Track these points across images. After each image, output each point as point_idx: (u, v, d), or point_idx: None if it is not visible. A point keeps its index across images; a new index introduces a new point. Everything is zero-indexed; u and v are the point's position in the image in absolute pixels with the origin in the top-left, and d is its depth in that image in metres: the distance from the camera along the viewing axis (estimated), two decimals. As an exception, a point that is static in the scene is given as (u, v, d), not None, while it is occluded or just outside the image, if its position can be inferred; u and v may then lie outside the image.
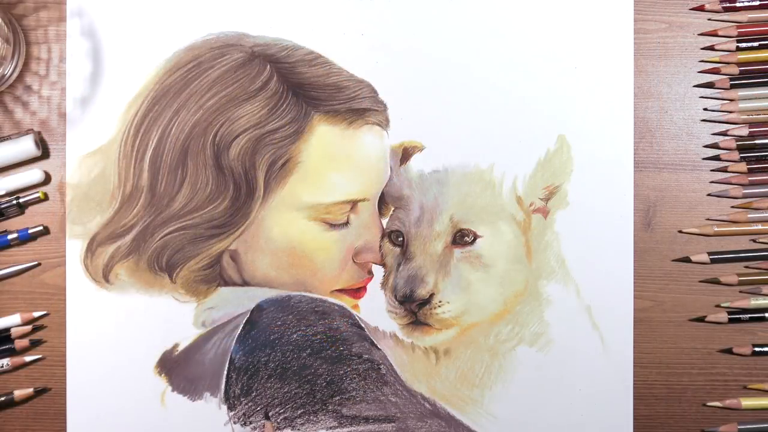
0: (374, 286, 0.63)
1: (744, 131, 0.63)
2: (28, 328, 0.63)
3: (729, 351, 0.63)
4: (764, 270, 0.63)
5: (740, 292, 0.63)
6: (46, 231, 0.63)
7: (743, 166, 0.63)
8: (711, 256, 0.63)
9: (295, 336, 0.61)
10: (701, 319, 0.63)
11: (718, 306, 0.63)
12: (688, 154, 0.63)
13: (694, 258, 0.63)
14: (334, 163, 0.62)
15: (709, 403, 0.63)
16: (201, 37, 0.63)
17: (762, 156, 0.63)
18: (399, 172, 0.64)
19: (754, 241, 0.63)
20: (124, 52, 0.63)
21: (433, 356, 0.63)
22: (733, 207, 0.63)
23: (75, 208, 0.63)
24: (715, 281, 0.63)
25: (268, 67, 0.62)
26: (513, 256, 0.63)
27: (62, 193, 0.63)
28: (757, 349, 0.62)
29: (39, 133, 0.64)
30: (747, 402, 0.62)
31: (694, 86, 0.63)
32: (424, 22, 0.64)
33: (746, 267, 0.63)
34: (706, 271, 0.63)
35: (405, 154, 0.64)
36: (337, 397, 0.61)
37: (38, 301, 0.63)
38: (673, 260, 0.63)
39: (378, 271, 0.64)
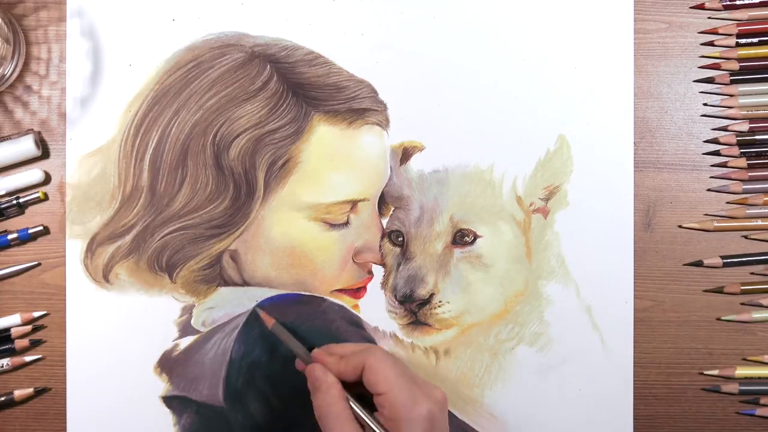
0: (374, 286, 0.63)
1: (744, 127, 0.63)
2: (28, 328, 0.63)
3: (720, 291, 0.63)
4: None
5: (741, 304, 0.63)
6: (46, 231, 0.63)
7: (743, 162, 0.63)
8: (724, 260, 0.62)
9: (294, 336, 0.61)
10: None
11: (719, 319, 0.63)
12: (688, 153, 0.63)
13: (707, 262, 0.63)
14: (334, 163, 0.62)
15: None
16: (201, 37, 0.63)
17: (762, 151, 0.63)
18: (399, 172, 0.64)
19: (746, 237, 0.63)
20: (124, 52, 0.63)
21: (433, 356, 0.63)
22: (728, 203, 0.63)
23: (75, 208, 0.63)
24: (719, 291, 0.63)
25: (268, 67, 0.62)
26: (513, 256, 0.63)
27: (62, 193, 0.63)
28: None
29: (39, 133, 0.64)
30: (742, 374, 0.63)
31: (694, 81, 0.63)
32: (424, 22, 0.63)
33: (752, 274, 0.63)
34: (707, 271, 0.63)
35: (405, 154, 0.64)
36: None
37: (38, 301, 0.63)
38: (684, 264, 0.63)
39: (378, 271, 0.64)
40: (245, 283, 0.63)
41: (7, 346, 0.63)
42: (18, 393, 0.63)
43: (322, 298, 0.62)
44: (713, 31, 0.63)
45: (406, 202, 0.64)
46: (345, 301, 0.63)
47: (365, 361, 0.51)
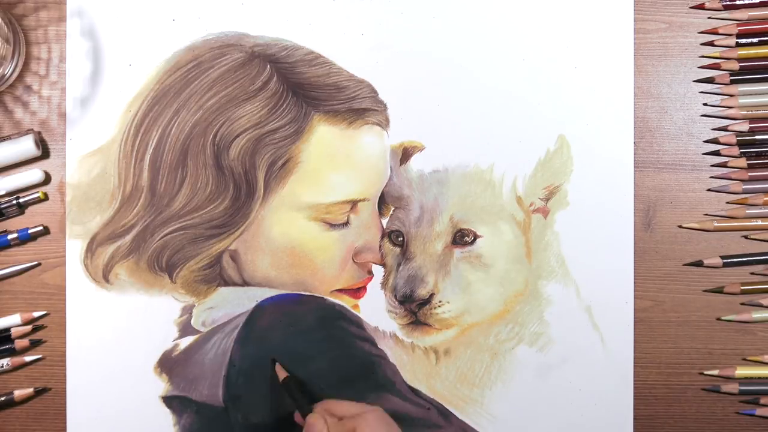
0: (374, 286, 0.63)
1: (744, 127, 0.63)
2: (28, 328, 0.63)
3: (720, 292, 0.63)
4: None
5: (741, 304, 0.63)
6: (46, 231, 0.63)
7: (743, 162, 0.63)
8: (724, 260, 0.62)
9: (294, 336, 0.61)
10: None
11: (719, 319, 0.63)
12: (688, 153, 0.63)
13: (707, 262, 0.63)
14: (334, 163, 0.62)
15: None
16: (201, 37, 0.63)
17: (762, 151, 0.63)
18: (399, 172, 0.64)
19: (746, 237, 0.63)
20: (124, 52, 0.63)
21: (433, 356, 0.63)
22: (728, 203, 0.63)
23: (75, 208, 0.63)
24: (719, 291, 0.63)
25: (268, 67, 0.62)
26: (513, 256, 0.63)
27: (62, 193, 0.63)
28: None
29: (39, 133, 0.64)
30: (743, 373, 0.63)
31: (694, 81, 0.63)
32: (424, 22, 0.63)
33: (752, 274, 0.63)
34: (707, 271, 0.63)
35: (405, 154, 0.64)
36: (338, 397, 0.61)
37: (38, 301, 0.63)
38: (684, 264, 0.63)
39: (378, 271, 0.64)
40: (245, 283, 0.63)
41: (7, 346, 0.63)
42: (18, 393, 0.63)
43: (323, 298, 0.62)
44: (713, 31, 0.63)
45: (406, 202, 0.64)
46: (345, 301, 0.63)
47: (356, 426, 0.52)
